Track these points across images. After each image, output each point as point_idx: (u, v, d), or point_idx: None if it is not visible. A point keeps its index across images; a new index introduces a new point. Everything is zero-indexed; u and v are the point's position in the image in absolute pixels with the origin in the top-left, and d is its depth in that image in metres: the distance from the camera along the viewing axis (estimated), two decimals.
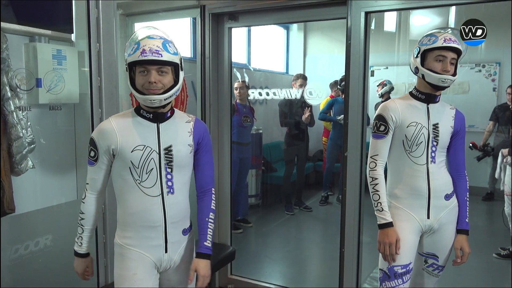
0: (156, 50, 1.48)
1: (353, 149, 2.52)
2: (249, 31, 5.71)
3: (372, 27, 5.54)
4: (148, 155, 1.58)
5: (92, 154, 1.61)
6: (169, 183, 1.62)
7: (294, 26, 6.89)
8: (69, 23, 2.24)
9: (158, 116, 1.61)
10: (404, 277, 1.87)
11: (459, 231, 1.95)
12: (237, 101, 4.15)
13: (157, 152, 1.59)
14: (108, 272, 2.25)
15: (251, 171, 5.02)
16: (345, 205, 2.57)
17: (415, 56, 1.87)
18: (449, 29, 1.88)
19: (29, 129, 2.57)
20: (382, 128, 1.90)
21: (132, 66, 1.52)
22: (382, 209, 1.88)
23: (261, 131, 5.16)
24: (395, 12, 5.32)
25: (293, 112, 4.73)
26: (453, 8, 5.58)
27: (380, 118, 1.91)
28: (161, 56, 1.49)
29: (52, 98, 2.66)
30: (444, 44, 1.77)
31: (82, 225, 1.67)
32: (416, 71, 1.88)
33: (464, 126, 1.99)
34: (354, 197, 2.54)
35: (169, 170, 1.62)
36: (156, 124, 1.61)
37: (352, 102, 2.50)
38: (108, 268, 2.26)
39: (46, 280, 2.36)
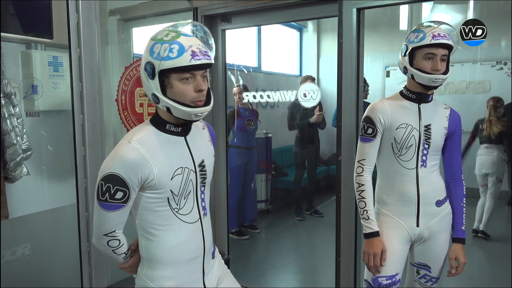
0: (205, 52, 1.22)
1: (347, 153, 2.40)
2: (259, 33, 5.66)
3: (386, 24, 5.40)
4: (187, 177, 1.32)
5: (120, 195, 1.22)
6: (203, 204, 1.39)
7: (309, 28, 6.79)
8: (48, 28, 2.23)
9: (186, 128, 1.34)
10: None
11: (454, 239, 1.81)
12: (239, 105, 4.08)
13: (194, 170, 1.34)
14: (92, 280, 2.22)
15: (260, 175, 4.94)
16: (340, 212, 2.45)
17: (402, 54, 1.75)
18: (439, 23, 1.74)
19: (24, 136, 2.58)
20: (369, 130, 1.79)
21: (165, 72, 1.21)
22: (368, 218, 1.76)
23: (270, 135, 5.07)
24: (407, 9, 5.14)
25: (302, 115, 4.62)
26: (471, 5, 5.36)
27: (368, 120, 1.79)
28: (210, 58, 1.23)
29: (48, 105, 2.68)
30: (433, 41, 1.63)
31: None
32: (405, 70, 1.76)
33: (460, 126, 1.85)
34: (349, 203, 2.42)
35: (202, 189, 1.38)
36: (183, 137, 1.34)
37: (345, 104, 2.39)
38: (93, 276, 2.22)
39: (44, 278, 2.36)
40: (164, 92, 1.23)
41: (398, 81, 5.28)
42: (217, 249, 1.53)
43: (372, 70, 6.03)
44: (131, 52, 3.38)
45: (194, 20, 2.89)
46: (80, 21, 2.11)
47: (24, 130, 2.55)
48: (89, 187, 2.16)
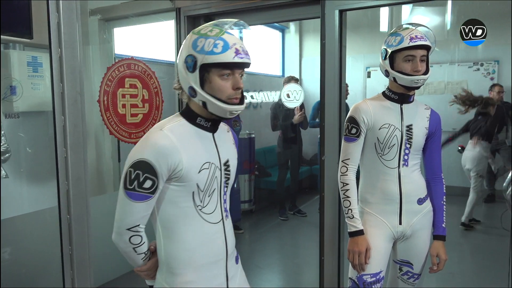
0: (246, 51, 1.24)
1: (331, 153, 2.42)
2: (241, 33, 5.65)
3: (367, 26, 5.48)
4: (213, 174, 1.28)
5: (149, 184, 1.19)
6: (225, 205, 1.35)
7: (291, 29, 6.83)
8: (28, 28, 2.19)
9: (215, 125, 1.33)
10: (374, 286, 1.78)
11: (435, 237, 1.86)
12: None
13: (219, 168, 1.31)
14: (75, 283, 2.18)
15: (244, 176, 4.95)
16: (323, 211, 2.47)
17: (383, 58, 1.78)
18: (416, 25, 1.77)
19: (2, 138, 2.53)
20: (353, 131, 1.81)
21: (206, 67, 1.22)
22: (353, 216, 1.79)
23: (253, 135, 5.09)
24: (387, 11, 5.22)
25: (285, 115, 4.64)
26: (449, 7, 5.49)
27: (352, 120, 1.82)
28: (250, 59, 1.25)
29: (27, 106, 2.62)
30: (411, 43, 1.67)
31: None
32: (386, 74, 1.79)
33: (440, 126, 1.89)
34: (333, 202, 2.45)
35: (225, 189, 1.35)
36: (211, 134, 1.33)
37: (328, 104, 2.41)
38: (75, 280, 2.18)
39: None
40: (201, 87, 1.23)
41: (379, 81, 5.37)
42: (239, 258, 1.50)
43: (353, 71, 6.10)
44: (112, 52, 3.34)
45: (176, 20, 2.88)
46: (61, 21, 2.07)
47: (2, 132, 2.49)
48: (71, 190, 2.12)
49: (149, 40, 3.62)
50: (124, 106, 2.59)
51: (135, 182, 1.19)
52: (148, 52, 3.59)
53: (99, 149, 3.29)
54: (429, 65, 1.75)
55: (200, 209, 1.27)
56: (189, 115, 1.30)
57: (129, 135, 2.64)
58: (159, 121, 2.81)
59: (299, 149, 5.00)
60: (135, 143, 2.71)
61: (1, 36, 2.50)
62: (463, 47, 5.63)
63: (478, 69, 5.63)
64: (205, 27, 1.26)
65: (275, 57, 6.78)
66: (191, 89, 1.24)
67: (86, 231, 2.21)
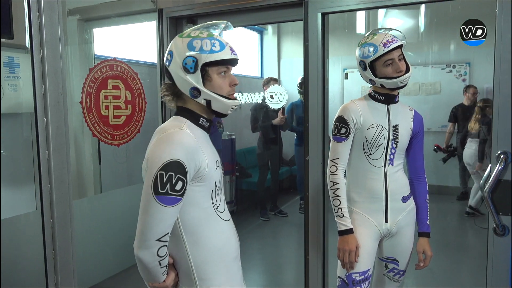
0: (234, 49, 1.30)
1: (314, 153, 2.46)
2: (220, 35, 5.64)
3: (343, 28, 5.57)
4: (221, 172, 1.33)
5: (180, 186, 1.15)
6: (225, 202, 1.38)
7: (269, 30, 6.87)
8: (8, 28, 2.13)
9: (211, 125, 1.37)
10: (362, 284, 1.82)
11: (420, 234, 1.92)
12: None
13: (221, 167, 1.36)
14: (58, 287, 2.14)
15: (225, 177, 4.94)
16: (308, 210, 2.50)
17: (363, 70, 1.83)
18: (387, 30, 1.82)
19: None
20: (343, 130, 1.85)
21: (204, 67, 1.25)
22: (343, 215, 1.82)
23: (234, 137, 5.09)
24: (363, 14, 5.32)
25: (265, 116, 4.67)
26: (422, 10, 5.64)
27: (341, 120, 1.85)
28: None
29: (3, 108, 2.54)
30: (386, 49, 1.73)
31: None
32: (372, 82, 1.84)
33: (422, 127, 1.96)
34: (317, 201, 2.48)
35: (222, 187, 1.37)
36: (208, 135, 1.36)
37: (311, 106, 2.45)
38: (59, 284, 2.14)
39: None
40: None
41: (356, 83, 5.46)
42: None
43: (331, 73, 6.17)
44: (92, 53, 3.29)
45: (158, 21, 2.86)
46: (42, 21, 2.03)
47: None
48: (54, 193, 2.08)
49: (130, 41, 3.58)
50: (107, 107, 2.56)
51: (168, 185, 1.14)
52: (129, 53, 3.55)
53: (78, 151, 3.23)
54: (406, 61, 1.80)
55: (216, 208, 1.29)
56: (192, 116, 1.30)
57: (112, 137, 2.60)
58: (142, 122, 2.80)
59: (279, 150, 5.04)
60: (118, 145, 2.69)
61: None
62: (436, 49, 5.81)
63: (451, 71, 5.80)
64: (192, 31, 1.30)
65: (253, 59, 6.81)
66: (194, 89, 1.25)
67: (70, 235, 2.17)
